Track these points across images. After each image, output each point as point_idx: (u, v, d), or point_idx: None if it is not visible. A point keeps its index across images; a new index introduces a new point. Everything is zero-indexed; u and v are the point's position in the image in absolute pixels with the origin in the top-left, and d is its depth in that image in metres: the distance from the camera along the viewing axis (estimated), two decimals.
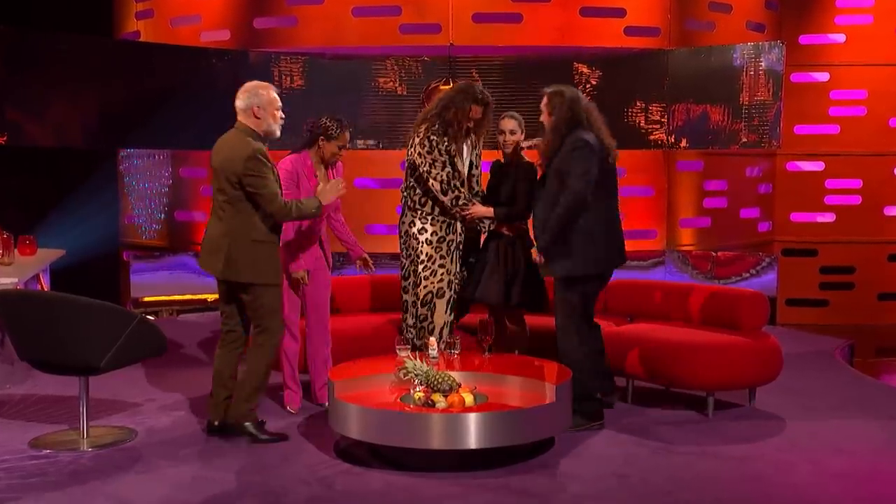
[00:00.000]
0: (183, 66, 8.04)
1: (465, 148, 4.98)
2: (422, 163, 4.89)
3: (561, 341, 4.59)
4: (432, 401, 4.02)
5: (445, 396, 4.03)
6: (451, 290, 4.99)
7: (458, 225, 5.01)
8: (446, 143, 4.89)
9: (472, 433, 3.89)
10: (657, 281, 7.37)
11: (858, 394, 5.41)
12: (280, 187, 4.38)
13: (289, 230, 4.73)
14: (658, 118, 8.16)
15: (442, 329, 4.95)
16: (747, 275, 8.10)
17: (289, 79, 8.36)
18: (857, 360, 6.81)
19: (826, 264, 8.60)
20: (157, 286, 8.40)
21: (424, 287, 4.95)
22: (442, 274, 4.96)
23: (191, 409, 4.96)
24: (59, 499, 3.76)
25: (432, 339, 4.60)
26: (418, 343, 4.92)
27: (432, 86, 7.30)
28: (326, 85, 8.35)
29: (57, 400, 5.18)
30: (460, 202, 4.91)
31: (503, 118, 4.98)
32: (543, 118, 4.61)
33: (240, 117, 4.43)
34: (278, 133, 4.48)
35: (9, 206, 7.05)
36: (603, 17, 8.16)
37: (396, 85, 8.39)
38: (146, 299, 8.17)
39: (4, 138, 7.09)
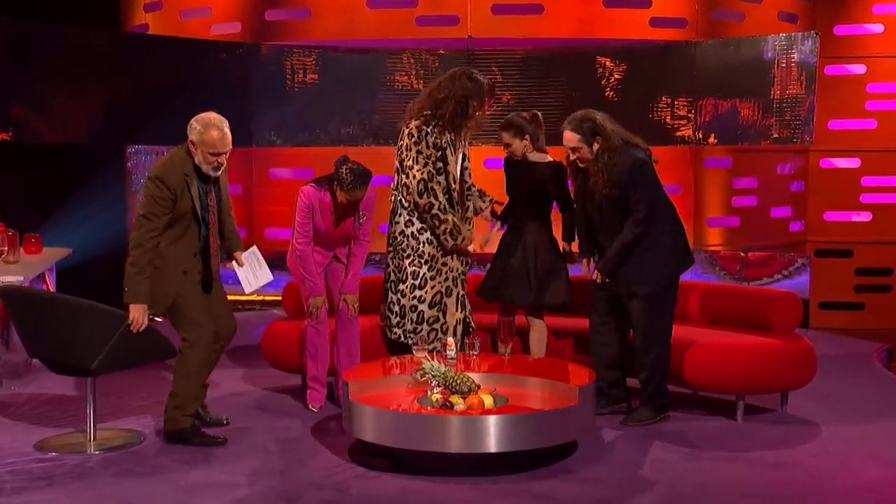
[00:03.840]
0: (193, 59, 8.11)
1: (461, 142, 4.94)
2: (407, 156, 4.85)
3: (651, 342, 4.68)
4: (450, 403, 4.03)
5: (464, 398, 4.04)
6: (458, 287, 4.99)
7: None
8: (441, 136, 4.81)
9: (492, 436, 3.89)
10: (684, 280, 7.34)
11: None
12: (198, 214, 4.36)
13: (305, 258, 4.84)
14: (685, 113, 8.14)
15: (455, 327, 4.95)
16: (778, 276, 8.07)
17: (301, 73, 8.41)
18: (894, 365, 6.76)
19: (862, 266, 8.55)
20: None
21: (432, 287, 4.93)
22: (447, 272, 4.96)
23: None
24: (64, 502, 3.78)
25: (450, 340, 4.61)
26: (429, 348, 4.85)
27: None
28: (340, 79, 8.39)
29: (63, 402, 5.22)
30: (433, 210, 4.84)
31: (500, 130, 5.00)
32: (583, 154, 4.61)
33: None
34: (211, 175, 4.42)
35: (14, 204, 7.11)
36: (627, 7, 8.16)
37: (412, 79, 8.41)
38: None
39: (9, 134, 7.16)
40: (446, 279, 4.96)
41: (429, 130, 4.82)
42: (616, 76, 8.28)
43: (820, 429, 4.74)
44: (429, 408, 4.05)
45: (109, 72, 7.71)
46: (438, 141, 4.83)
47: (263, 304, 8.56)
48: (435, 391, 4.12)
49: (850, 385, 5.70)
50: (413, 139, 4.83)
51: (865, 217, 8.57)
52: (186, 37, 8.30)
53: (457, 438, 3.90)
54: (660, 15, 8.21)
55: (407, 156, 4.85)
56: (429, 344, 4.86)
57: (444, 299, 4.95)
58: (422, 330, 4.93)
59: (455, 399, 4.04)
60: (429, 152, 4.81)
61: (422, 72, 8.37)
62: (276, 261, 8.48)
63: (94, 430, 4.50)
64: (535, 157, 5.04)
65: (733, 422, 4.84)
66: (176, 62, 8.04)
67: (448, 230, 4.87)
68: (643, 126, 8.14)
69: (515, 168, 5.07)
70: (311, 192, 4.82)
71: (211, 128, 4.34)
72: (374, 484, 3.95)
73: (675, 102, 8.17)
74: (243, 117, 8.32)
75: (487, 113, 5.04)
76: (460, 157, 4.98)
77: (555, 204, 5.11)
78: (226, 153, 4.39)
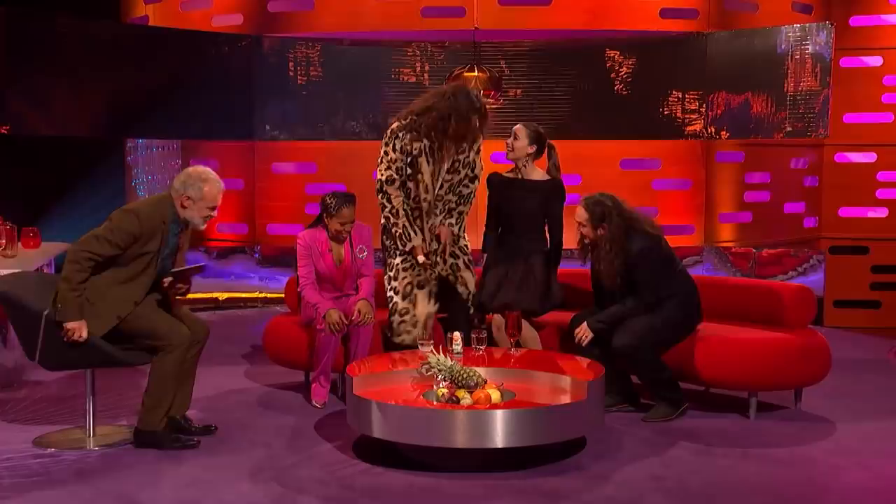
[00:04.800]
0: (194, 52, 8.14)
1: (445, 154, 4.99)
2: (380, 153, 4.99)
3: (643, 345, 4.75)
4: (457, 397, 4.03)
5: (471, 393, 4.05)
6: (430, 283, 5.09)
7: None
8: (412, 143, 4.91)
9: (499, 431, 3.90)
10: (696, 276, 7.33)
11: None
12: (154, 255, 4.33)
13: (308, 294, 5.02)
14: (696, 106, 8.14)
15: (426, 321, 5.04)
16: (792, 274, 8.06)
17: (304, 66, 8.42)
18: None
19: (878, 263, 8.51)
20: None
21: (404, 279, 5.04)
22: (420, 268, 5.07)
23: (201, 409, 5.00)
24: (63, 498, 3.80)
25: (457, 334, 4.62)
26: (397, 340, 5.01)
27: (456, 73, 7.31)
28: (344, 72, 8.41)
29: (62, 399, 5.24)
30: (384, 212, 5.01)
31: (518, 125, 5.23)
32: (587, 232, 4.85)
33: (172, 192, 4.36)
34: (199, 227, 4.44)
35: (12, 198, 7.14)
36: None
37: (418, 72, 8.42)
38: None
39: (7, 128, 7.18)
40: (419, 274, 5.05)
41: (400, 135, 4.94)
42: (625, 69, 8.28)
43: (835, 426, 4.74)
44: (434, 402, 4.05)
45: (109, 64, 7.73)
46: (409, 148, 4.94)
47: (266, 301, 8.58)
48: (441, 385, 4.12)
49: (866, 383, 5.69)
50: (385, 139, 4.99)
51: (881, 213, 8.53)
52: (187, 28, 8.32)
53: (463, 433, 3.91)
54: (670, 6, 8.21)
55: (379, 156, 5.00)
56: (397, 336, 4.99)
57: (415, 291, 5.05)
58: (393, 322, 5.05)
59: (461, 393, 4.04)
60: (394, 156, 4.94)
61: (427, 64, 8.38)
62: (280, 257, 8.60)
63: (94, 426, 4.52)
64: (534, 174, 5.23)
65: (746, 419, 4.84)
66: (177, 55, 8.06)
67: (398, 234, 5.01)
68: (653, 119, 8.19)
69: (510, 188, 5.23)
70: (306, 234, 5.10)
71: (211, 183, 4.36)
72: (380, 479, 3.96)
73: (686, 96, 8.17)
74: (245, 111, 8.35)
75: (479, 136, 5.13)
76: (443, 168, 5.02)
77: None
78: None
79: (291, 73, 8.39)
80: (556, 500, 3.75)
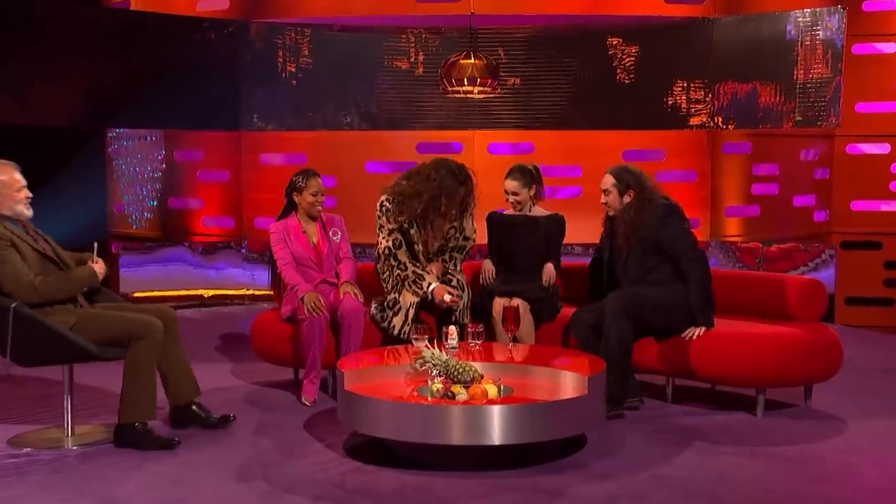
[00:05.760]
0: (178, 38, 8.13)
1: (440, 228, 5.22)
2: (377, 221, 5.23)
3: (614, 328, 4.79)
4: (452, 392, 4.03)
5: (466, 388, 4.05)
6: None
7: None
8: (400, 221, 5.16)
9: (496, 428, 3.89)
10: None
11: None
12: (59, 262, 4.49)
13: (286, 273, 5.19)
14: (701, 95, 8.15)
15: (408, 310, 5.11)
16: (802, 270, 8.07)
17: (293, 53, 8.42)
18: None
19: (891, 259, 8.52)
20: (148, 281, 8.47)
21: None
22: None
23: None
24: (39, 498, 3.79)
25: (452, 328, 4.62)
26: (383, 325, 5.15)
27: (451, 61, 7.31)
28: (334, 60, 8.40)
29: (40, 398, 5.23)
30: (396, 270, 5.18)
31: (506, 178, 5.37)
32: (612, 200, 4.98)
33: None
34: (27, 213, 4.50)
35: None
36: None
37: (412, 59, 8.43)
38: (137, 295, 8.24)
39: None
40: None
41: (391, 209, 5.18)
42: (628, 56, 8.29)
43: (846, 424, 4.74)
44: (429, 398, 4.05)
45: (89, 50, 7.72)
46: (401, 220, 5.18)
47: (253, 298, 8.58)
48: (436, 381, 4.12)
49: (879, 380, 5.71)
50: (378, 212, 5.22)
51: (895, 207, 8.54)
52: (171, 14, 8.31)
53: (459, 430, 3.91)
54: None
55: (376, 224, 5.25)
56: (381, 323, 5.13)
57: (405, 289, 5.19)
58: (373, 312, 5.19)
59: (457, 389, 4.04)
60: (391, 226, 5.19)
61: (421, 52, 8.38)
62: (268, 252, 8.55)
63: (72, 425, 4.51)
64: (536, 210, 5.43)
65: (753, 417, 4.85)
66: (160, 41, 8.05)
67: (411, 281, 5.14)
68: (657, 110, 8.20)
69: (510, 225, 5.42)
70: (277, 225, 5.37)
71: (5, 167, 4.45)
72: (372, 478, 3.96)
73: (691, 84, 8.18)
74: (231, 100, 8.35)
75: (471, 203, 5.25)
76: (437, 238, 5.24)
77: None
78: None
79: (280, 61, 8.39)
80: (556, 499, 3.74)
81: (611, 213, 5.03)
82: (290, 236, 5.29)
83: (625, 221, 4.93)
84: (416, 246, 5.23)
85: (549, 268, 5.34)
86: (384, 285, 5.27)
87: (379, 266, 5.30)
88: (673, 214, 4.92)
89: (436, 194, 5.13)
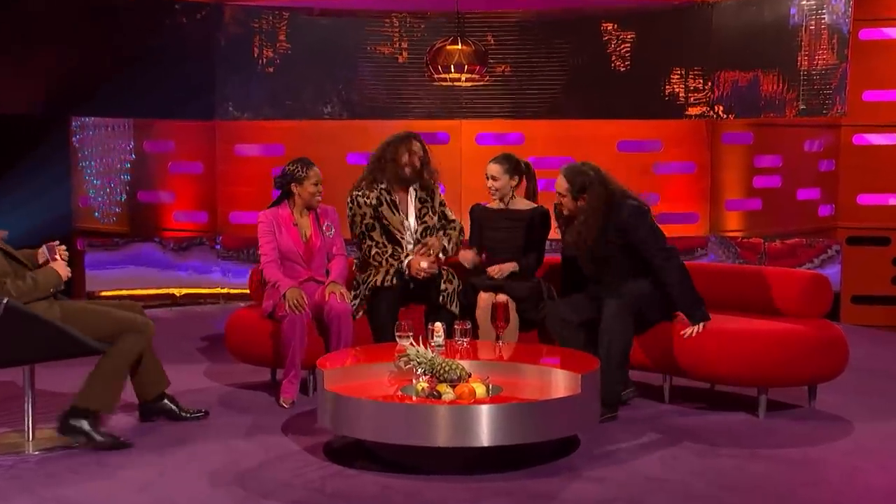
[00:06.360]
0: (147, 22, 8.11)
1: (409, 199, 5.43)
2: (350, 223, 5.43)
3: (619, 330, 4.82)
4: (438, 392, 4.04)
5: (453, 387, 4.05)
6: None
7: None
8: (369, 195, 5.33)
9: (484, 429, 3.90)
10: (699, 263, 7.38)
11: None
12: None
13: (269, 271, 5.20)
14: (700, 83, 8.19)
15: (388, 270, 5.25)
16: (806, 267, 8.11)
17: (270, 38, 8.41)
18: None
19: None
20: (116, 279, 8.46)
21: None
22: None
23: None
24: None
25: (438, 325, 4.62)
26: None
27: (437, 46, 7.32)
28: (314, 45, 8.40)
29: (4, 402, 5.20)
30: (372, 251, 5.36)
31: (490, 161, 5.46)
32: (566, 203, 4.96)
33: None
34: None
35: None
36: None
37: (396, 46, 8.44)
38: (104, 294, 8.21)
39: None
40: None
41: (356, 194, 5.39)
42: (624, 43, 8.32)
43: (852, 425, 4.77)
44: (414, 397, 4.06)
45: (53, 35, 7.70)
46: (368, 200, 5.37)
47: (228, 297, 8.56)
48: (420, 380, 4.12)
49: (887, 380, 5.75)
50: (348, 209, 5.44)
51: None
52: None
53: (445, 431, 3.91)
54: None
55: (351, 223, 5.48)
56: (360, 298, 5.24)
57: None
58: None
59: (443, 388, 4.05)
60: (361, 210, 5.37)
61: (406, 38, 8.39)
62: (244, 249, 8.58)
63: (33, 429, 4.50)
64: (519, 204, 5.47)
65: (755, 418, 4.87)
66: (128, 24, 8.04)
67: (389, 255, 5.32)
68: (654, 98, 8.23)
69: (494, 220, 5.47)
70: (267, 213, 5.30)
71: None
72: (352, 482, 3.96)
73: (690, 71, 8.21)
74: (204, 87, 8.34)
75: (414, 158, 5.41)
76: (412, 205, 5.43)
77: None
78: None
79: (256, 46, 8.38)
80: (547, 502, 3.75)
81: (566, 213, 5.02)
82: (280, 228, 5.24)
83: (580, 228, 4.92)
84: (392, 229, 5.32)
85: (507, 266, 5.36)
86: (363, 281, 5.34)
87: (358, 262, 5.40)
88: (643, 215, 4.90)
89: (382, 154, 5.38)
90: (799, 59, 7.83)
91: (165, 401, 4.77)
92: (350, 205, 5.40)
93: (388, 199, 5.38)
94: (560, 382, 4.26)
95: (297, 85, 8.45)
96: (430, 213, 5.48)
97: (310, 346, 5.08)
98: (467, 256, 5.47)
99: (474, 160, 7.41)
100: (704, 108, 8.21)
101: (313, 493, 3.85)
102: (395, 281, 5.23)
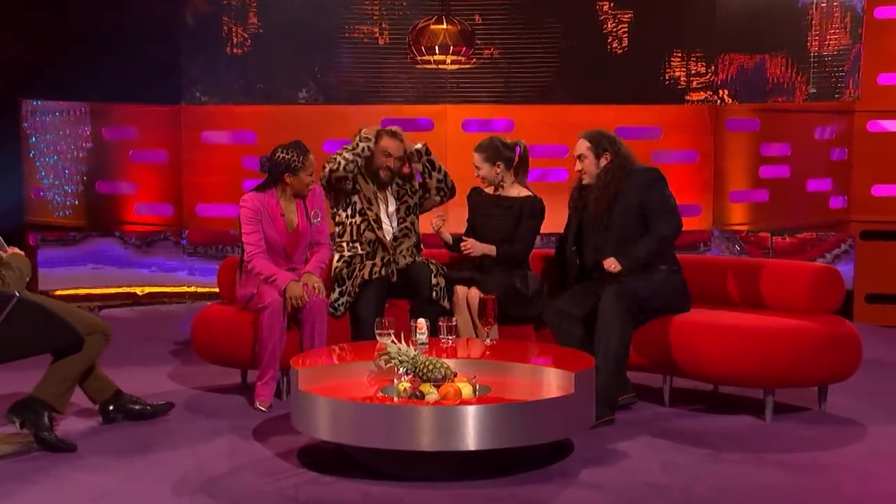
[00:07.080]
0: None
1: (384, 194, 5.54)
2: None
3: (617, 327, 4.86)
4: (421, 392, 4.04)
5: (437, 387, 4.06)
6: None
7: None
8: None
9: (471, 431, 3.90)
10: (701, 256, 7.42)
11: None
12: None
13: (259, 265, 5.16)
14: (703, 67, 8.22)
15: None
16: (819, 262, 8.14)
17: (240, 17, 8.40)
18: None
19: None
20: (72, 277, 8.43)
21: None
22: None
23: None
24: None
25: (421, 322, 4.64)
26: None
27: (420, 26, 7.34)
28: (287, 25, 8.40)
29: None
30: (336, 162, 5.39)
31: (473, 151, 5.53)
32: (587, 165, 5.15)
33: None
34: None
35: None
36: None
37: (376, 26, 8.44)
38: (59, 293, 8.18)
39: None
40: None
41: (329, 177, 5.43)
42: (621, 24, 8.35)
43: (865, 429, 4.80)
44: (395, 398, 4.07)
45: (2, 13, 7.66)
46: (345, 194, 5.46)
47: (195, 296, 8.55)
48: (402, 379, 4.13)
49: None
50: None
51: None
52: None
53: (429, 434, 3.91)
54: None
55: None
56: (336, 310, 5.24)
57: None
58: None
59: (426, 388, 4.06)
60: (333, 211, 5.52)
61: (386, 16, 8.39)
62: (212, 244, 8.57)
63: None
64: (511, 191, 5.51)
65: (761, 421, 4.89)
66: (86, 2, 8.01)
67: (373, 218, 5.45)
68: (653, 83, 8.26)
69: (487, 205, 5.55)
70: (253, 197, 5.22)
71: None
72: (329, 489, 3.96)
73: (692, 53, 8.25)
74: (169, 69, 8.34)
75: (394, 153, 5.49)
76: (391, 211, 5.53)
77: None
78: None
79: (225, 25, 8.38)
80: None
81: (586, 181, 5.15)
82: (267, 215, 5.20)
83: (600, 187, 5.07)
84: (369, 218, 5.42)
85: (482, 246, 5.42)
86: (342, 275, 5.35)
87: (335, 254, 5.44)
88: (661, 180, 5.09)
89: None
90: (809, 39, 7.88)
91: (124, 399, 4.80)
92: (326, 190, 5.45)
93: (363, 197, 5.45)
94: (552, 382, 4.27)
95: (270, 67, 8.45)
96: (409, 193, 5.56)
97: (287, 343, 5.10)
98: (441, 228, 5.53)
99: (460, 148, 7.40)
100: (707, 93, 8.25)
101: (287, 500, 3.85)
102: (383, 272, 5.26)
